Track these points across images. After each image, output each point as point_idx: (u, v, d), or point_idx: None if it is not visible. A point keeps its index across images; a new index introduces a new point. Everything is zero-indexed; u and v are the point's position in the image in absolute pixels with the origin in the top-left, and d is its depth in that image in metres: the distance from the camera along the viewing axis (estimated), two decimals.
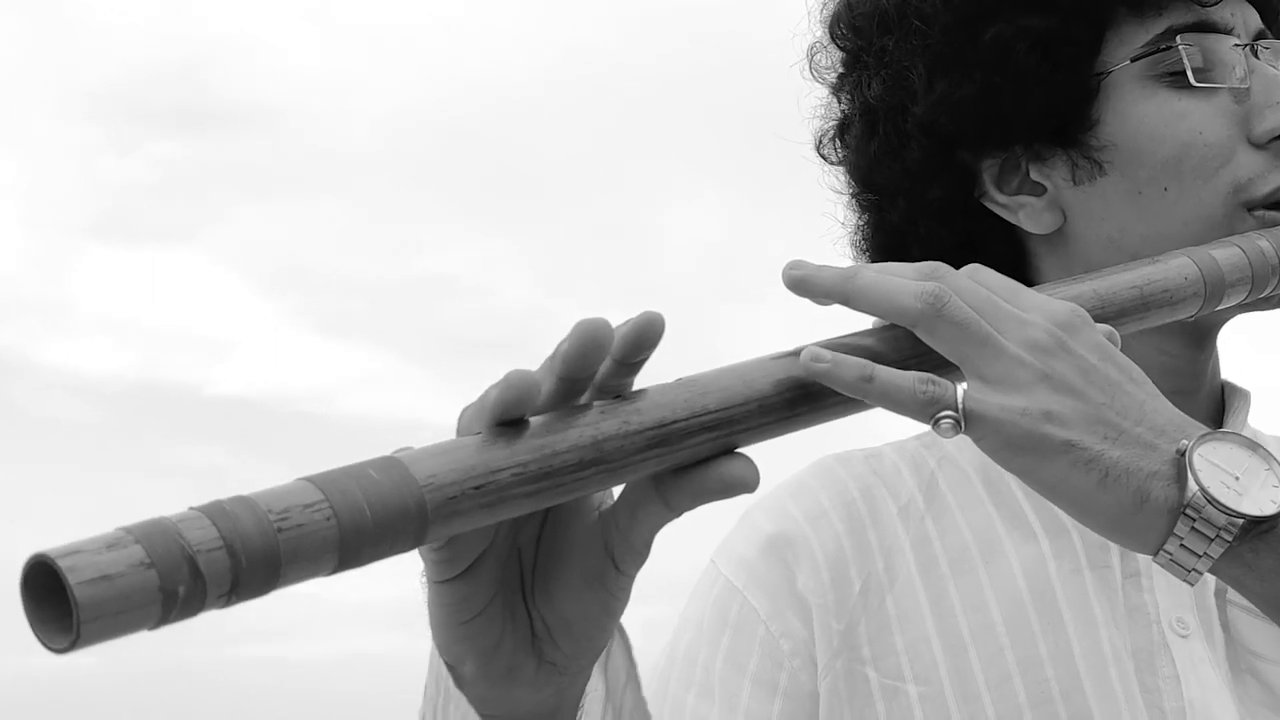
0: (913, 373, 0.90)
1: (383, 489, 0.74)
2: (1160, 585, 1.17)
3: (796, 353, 0.89)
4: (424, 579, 0.87)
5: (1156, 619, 1.18)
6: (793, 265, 0.93)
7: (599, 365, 0.82)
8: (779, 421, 0.88)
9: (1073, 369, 0.90)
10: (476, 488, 0.77)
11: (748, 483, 0.84)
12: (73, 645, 0.65)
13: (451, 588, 0.86)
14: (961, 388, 0.90)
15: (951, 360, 0.91)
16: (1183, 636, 1.17)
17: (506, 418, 0.80)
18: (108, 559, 0.65)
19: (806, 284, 0.93)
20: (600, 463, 0.81)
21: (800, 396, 0.88)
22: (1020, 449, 0.89)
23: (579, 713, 0.94)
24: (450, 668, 0.90)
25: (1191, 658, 1.15)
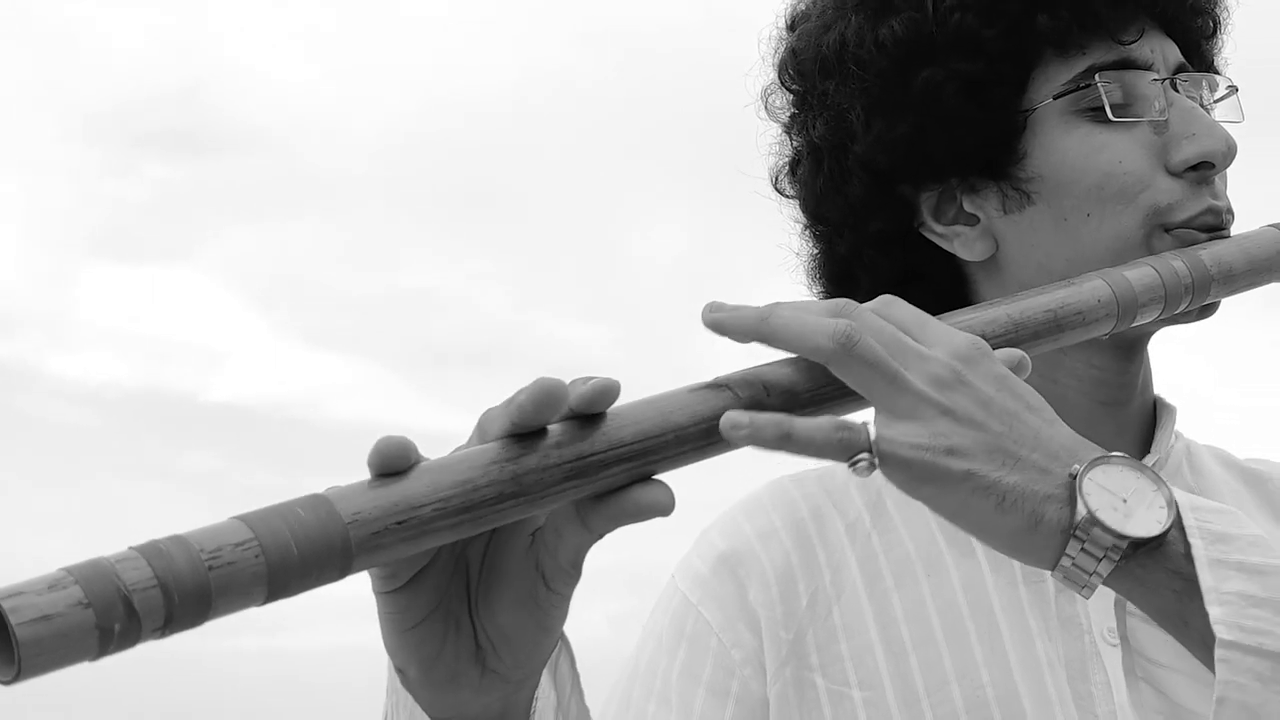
0: (827, 420, 0.91)
1: (309, 526, 0.77)
2: (1095, 598, 1.18)
3: (714, 384, 0.92)
4: (372, 587, 0.90)
5: (1089, 629, 1.20)
6: (711, 307, 0.95)
7: (547, 419, 0.84)
8: (695, 450, 0.90)
9: (972, 401, 0.92)
10: (399, 523, 0.79)
11: (662, 508, 0.87)
12: (16, 678, 0.69)
13: (393, 598, 0.89)
14: (872, 429, 0.91)
15: (860, 394, 0.94)
16: (1113, 645, 1.19)
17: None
18: (47, 600, 0.69)
19: (724, 326, 0.94)
20: (519, 495, 0.83)
21: (715, 428, 0.90)
22: (925, 481, 0.91)
23: (532, 714, 0.96)
24: (397, 670, 0.92)
25: (1122, 665, 1.17)
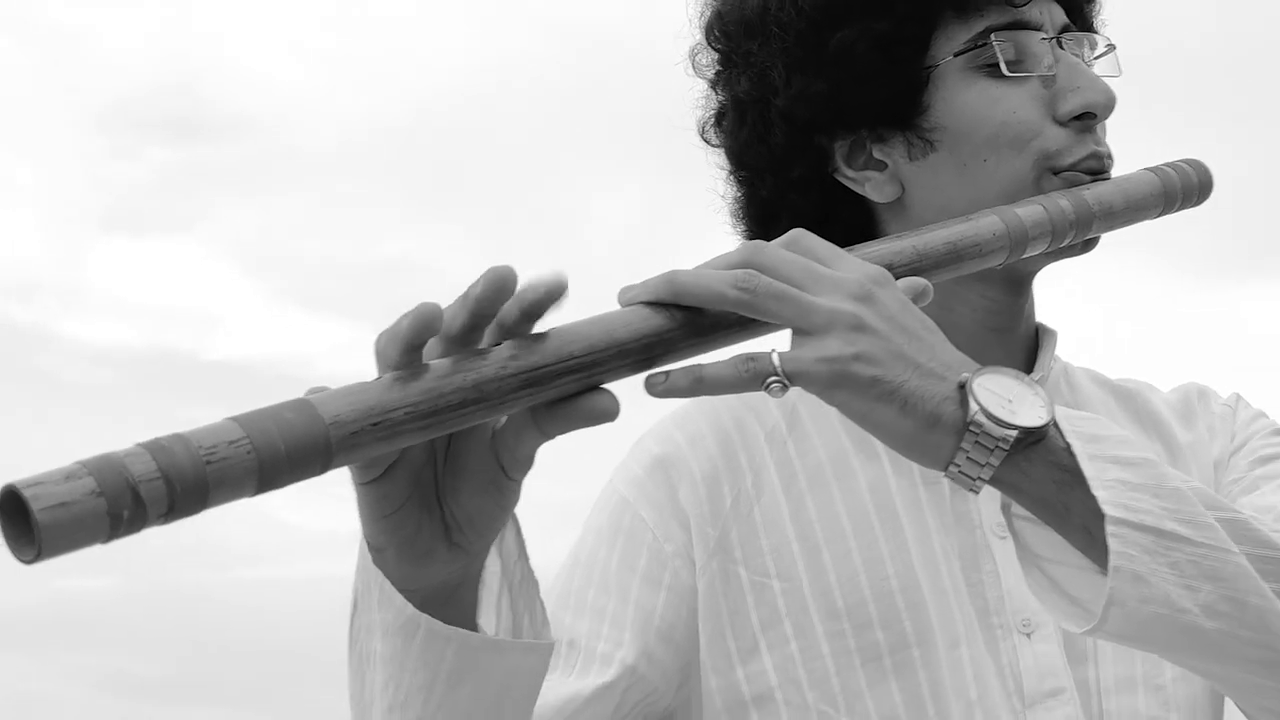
0: (733, 358, 0.95)
1: (295, 427, 0.80)
2: (984, 496, 1.24)
3: (652, 304, 0.95)
4: (352, 480, 0.93)
5: (979, 524, 1.26)
6: (622, 291, 0.96)
7: (500, 307, 0.87)
8: (636, 364, 0.93)
9: (878, 316, 0.96)
10: (374, 424, 0.82)
11: (608, 413, 0.91)
12: (37, 557, 0.72)
13: (373, 488, 0.92)
14: (775, 353, 0.95)
15: (776, 324, 0.97)
16: (1002, 539, 1.25)
17: (416, 342, 0.86)
18: (65, 489, 0.71)
19: (637, 298, 0.96)
20: (480, 401, 0.86)
21: (655, 343, 0.93)
22: (837, 386, 0.95)
23: (480, 584, 1.01)
24: (374, 550, 0.96)
25: (1009, 555, 1.23)
